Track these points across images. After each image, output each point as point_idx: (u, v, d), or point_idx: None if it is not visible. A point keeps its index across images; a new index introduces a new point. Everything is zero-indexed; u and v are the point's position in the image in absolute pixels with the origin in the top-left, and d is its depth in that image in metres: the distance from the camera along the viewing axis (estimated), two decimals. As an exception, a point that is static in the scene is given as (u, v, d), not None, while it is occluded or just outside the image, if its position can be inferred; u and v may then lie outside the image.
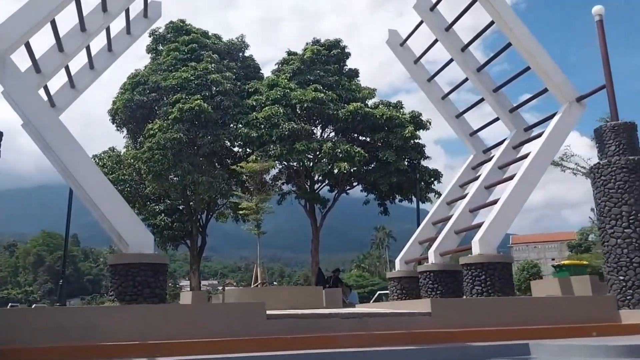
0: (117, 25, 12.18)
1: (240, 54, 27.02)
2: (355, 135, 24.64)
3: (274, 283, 77.25)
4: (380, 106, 24.42)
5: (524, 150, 12.19)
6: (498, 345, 7.21)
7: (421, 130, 24.19)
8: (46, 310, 9.65)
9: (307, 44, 26.10)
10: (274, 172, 24.27)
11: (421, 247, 13.17)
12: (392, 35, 14.81)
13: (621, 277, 8.98)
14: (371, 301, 26.49)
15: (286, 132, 22.09)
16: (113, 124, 26.02)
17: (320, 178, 25.30)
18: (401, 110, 24.51)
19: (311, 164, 23.82)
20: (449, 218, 12.34)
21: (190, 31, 26.12)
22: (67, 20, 10.51)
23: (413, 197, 24.35)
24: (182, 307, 8.51)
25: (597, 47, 10.52)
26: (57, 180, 10.30)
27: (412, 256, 12.95)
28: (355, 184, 25.59)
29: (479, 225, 10.26)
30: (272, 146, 22.12)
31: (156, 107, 24.37)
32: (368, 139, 24.28)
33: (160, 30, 26.60)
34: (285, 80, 24.09)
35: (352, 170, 22.92)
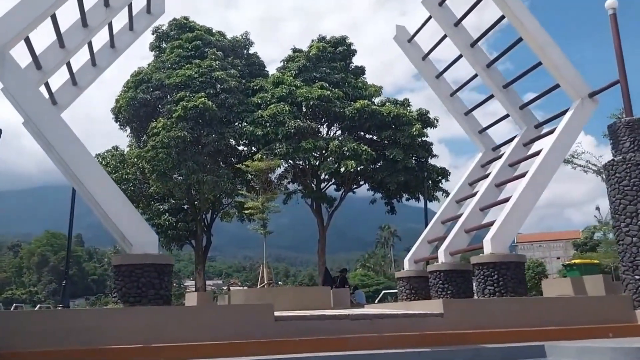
0: (120, 21, 12.05)
1: (245, 51, 26.83)
2: (362, 133, 24.40)
3: (279, 283, 77.11)
4: (387, 104, 24.20)
5: (534, 147, 11.95)
6: (512, 347, 7.01)
7: (429, 128, 23.94)
8: (43, 313, 9.47)
9: (312, 41, 25.87)
10: (279, 171, 24.07)
11: (430, 246, 12.94)
12: (399, 31, 14.57)
13: (637, 277, 8.73)
14: (376, 301, 26.31)
15: (292, 130, 21.90)
16: (116, 122, 25.91)
17: (326, 177, 25.09)
18: (408, 108, 24.27)
19: (317, 163, 23.63)
20: (458, 217, 12.11)
21: (193, 28, 25.95)
22: (68, 15, 10.34)
23: (420, 195, 24.11)
24: (187, 309, 8.34)
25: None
26: (61, 180, 10.17)
27: (421, 255, 12.73)
28: (362, 182, 25.36)
29: (490, 224, 10.03)
30: (277, 144, 21.92)
31: (160, 106, 24.21)
32: (375, 137, 24.05)
33: (164, 28, 26.46)
34: (291, 78, 23.88)
35: (359, 168, 22.71)
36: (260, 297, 11.08)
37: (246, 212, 18.72)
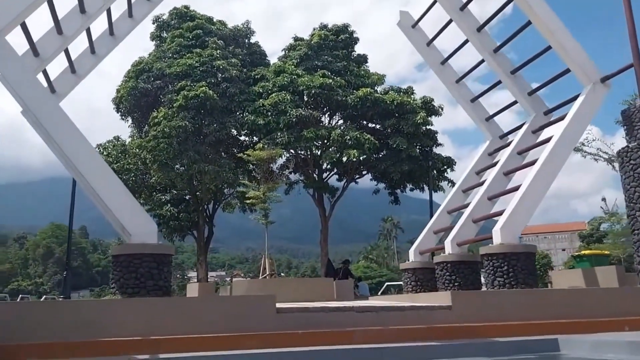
0: (119, 9, 11.74)
1: (246, 40, 26.45)
2: (365, 122, 24.03)
3: (282, 274, 77.30)
4: (390, 92, 23.75)
5: (543, 135, 11.62)
6: (524, 340, 6.73)
7: (433, 117, 23.51)
8: (37, 305, 9.29)
9: (314, 29, 25.46)
10: (281, 161, 23.81)
11: (436, 237, 12.65)
12: (403, 16, 14.23)
13: (652, 268, 8.44)
14: (379, 293, 26.12)
15: (293, 119, 21.57)
16: (117, 112, 25.65)
17: (328, 167, 24.78)
18: (412, 96, 23.82)
19: (319, 152, 23.32)
20: (465, 206, 11.81)
21: (194, 17, 25.59)
22: (65, 0, 10.06)
23: (424, 185, 23.76)
24: (187, 301, 8.10)
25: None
26: (65, 174, 9.97)
27: (427, 246, 12.45)
28: (364, 172, 25.04)
29: (499, 214, 9.73)
30: (279, 134, 21.63)
31: (161, 95, 23.93)
32: (378, 126, 23.69)
33: (164, 17, 26.10)
34: (292, 67, 23.52)
35: (361, 158, 22.36)
36: (262, 288, 10.87)
37: (248, 202, 18.49)
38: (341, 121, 24.31)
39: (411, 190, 25.00)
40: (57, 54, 10.40)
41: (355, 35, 25.35)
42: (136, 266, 7.91)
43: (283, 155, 22.71)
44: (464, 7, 12.34)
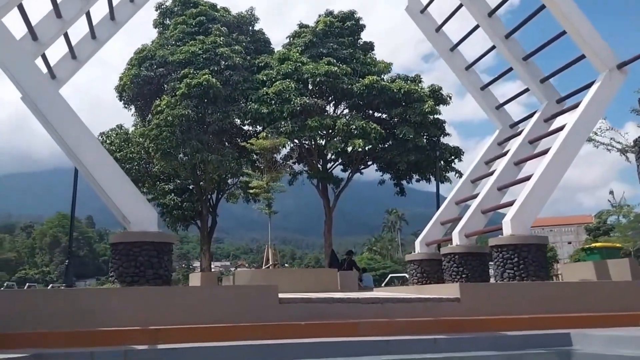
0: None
1: (250, 27, 26.05)
2: (371, 111, 23.65)
3: (285, 265, 77.46)
4: (397, 80, 23.30)
5: (556, 123, 11.27)
6: (535, 334, 6.48)
7: (441, 106, 23.07)
8: (33, 293, 9.14)
9: (319, 15, 25.01)
10: (285, 150, 23.54)
11: (442, 228, 12.38)
12: (411, 2, 13.87)
13: (668, 261, 8.14)
14: (382, 284, 25.93)
15: (298, 108, 21.24)
16: (120, 101, 25.45)
17: (333, 157, 24.47)
18: (420, 85, 23.37)
19: (324, 142, 23.00)
20: (474, 197, 11.51)
21: (197, 4, 25.23)
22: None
23: (431, 176, 23.40)
24: (187, 290, 7.91)
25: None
26: (72, 164, 9.79)
27: (433, 238, 12.18)
28: (370, 162, 24.71)
29: (509, 204, 9.43)
30: (283, 123, 21.32)
31: (164, 83, 23.68)
32: (384, 115, 23.30)
33: (168, 4, 25.76)
34: (297, 54, 23.13)
35: (367, 148, 22.00)
36: (265, 277, 10.68)
37: (251, 192, 18.29)
38: (346, 110, 23.95)
39: (417, 181, 24.66)
40: (56, 38, 10.16)
41: (361, 22, 24.87)
42: (136, 254, 7.74)
43: (287, 145, 22.44)
44: (474, -10, 11.94)
